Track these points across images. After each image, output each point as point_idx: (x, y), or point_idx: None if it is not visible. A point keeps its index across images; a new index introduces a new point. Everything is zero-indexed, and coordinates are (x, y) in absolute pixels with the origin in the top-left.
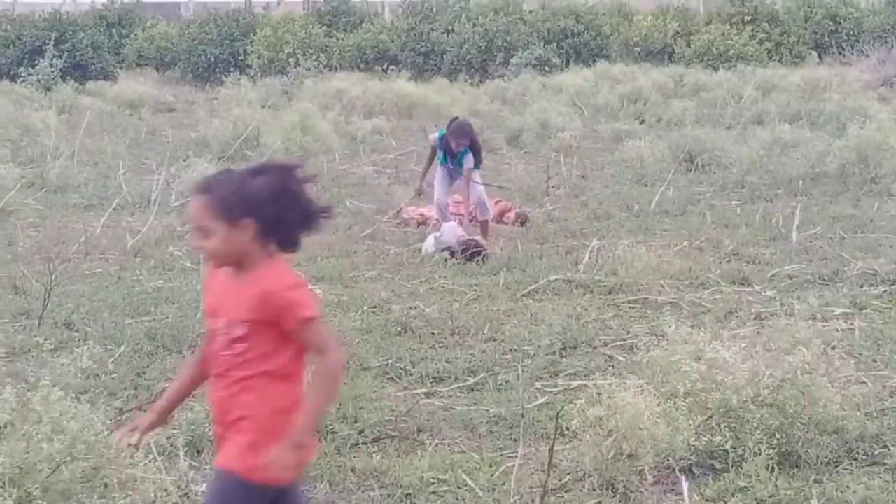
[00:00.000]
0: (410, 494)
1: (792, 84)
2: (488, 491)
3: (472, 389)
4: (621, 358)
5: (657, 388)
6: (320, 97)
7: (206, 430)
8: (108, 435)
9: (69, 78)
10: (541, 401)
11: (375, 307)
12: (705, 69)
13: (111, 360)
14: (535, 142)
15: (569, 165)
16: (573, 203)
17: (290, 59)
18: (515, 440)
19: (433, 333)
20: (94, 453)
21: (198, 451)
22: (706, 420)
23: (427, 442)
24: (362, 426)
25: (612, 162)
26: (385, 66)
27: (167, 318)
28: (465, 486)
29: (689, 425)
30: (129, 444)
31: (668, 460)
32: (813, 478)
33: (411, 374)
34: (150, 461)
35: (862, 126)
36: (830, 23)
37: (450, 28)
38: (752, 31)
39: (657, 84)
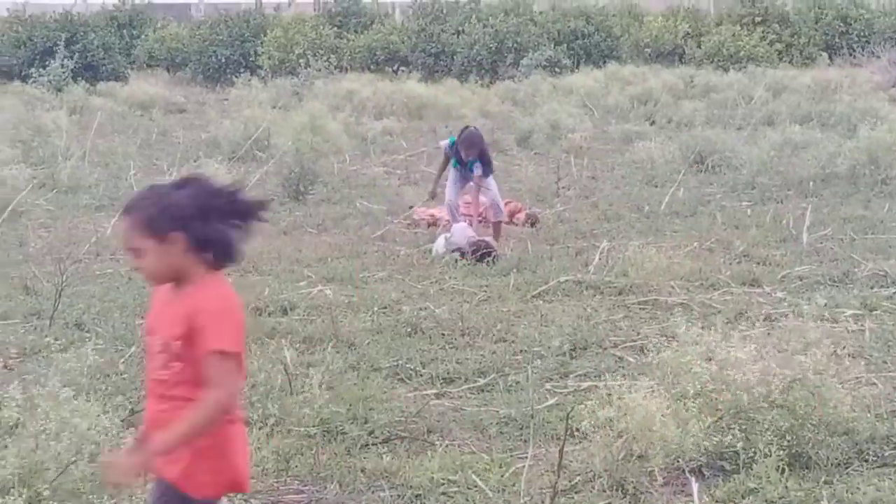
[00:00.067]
0: (420, 495)
1: (802, 85)
2: (498, 492)
3: (483, 390)
4: (631, 359)
5: (667, 389)
6: (331, 98)
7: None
8: (117, 434)
9: (80, 79)
10: (551, 402)
11: (386, 308)
12: (716, 70)
13: (122, 360)
14: (545, 143)
15: (579, 166)
16: (583, 204)
17: (301, 60)
18: (525, 441)
19: (443, 334)
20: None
21: None
22: (716, 421)
23: (437, 443)
24: (372, 427)
25: (623, 163)
26: (395, 67)
27: None
28: (475, 486)
29: (700, 426)
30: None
31: (678, 461)
32: (823, 479)
33: (421, 375)
34: None
35: (873, 127)
36: (841, 24)
37: (460, 29)
38: (763, 32)
39: (667, 85)
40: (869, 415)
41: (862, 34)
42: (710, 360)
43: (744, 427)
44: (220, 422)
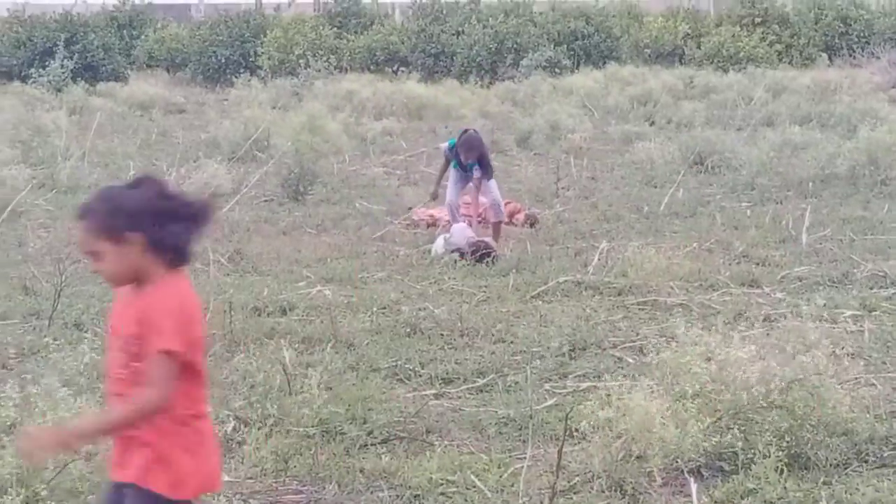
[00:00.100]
0: (419, 495)
1: (802, 86)
2: (497, 492)
3: (482, 391)
4: (630, 359)
5: (667, 390)
6: (330, 98)
7: (216, 431)
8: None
9: (80, 79)
10: (550, 402)
11: (385, 308)
12: (715, 71)
13: None
14: (545, 143)
15: (578, 167)
16: (583, 205)
17: (301, 61)
18: (524, 441)
19: (442, 335)
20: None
21: None
22: (715, 422)
23: (436, 443)
24: (371, 427)
25: (622, 164)
26: (395, 68)
27: None
28: (474, 487)
29: (699, 427)
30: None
31: (676, 462)
32: (822, 480)
33: (420, 376)
34: None
35: (872, 128)
36: (841, 25)
37: (460, 30)
38: (763, 32)
39: (667, 86)
40: (868, 415)
41: (862, 35)
42: (710, 360)
43: (743, 427)
44: (187, 420)
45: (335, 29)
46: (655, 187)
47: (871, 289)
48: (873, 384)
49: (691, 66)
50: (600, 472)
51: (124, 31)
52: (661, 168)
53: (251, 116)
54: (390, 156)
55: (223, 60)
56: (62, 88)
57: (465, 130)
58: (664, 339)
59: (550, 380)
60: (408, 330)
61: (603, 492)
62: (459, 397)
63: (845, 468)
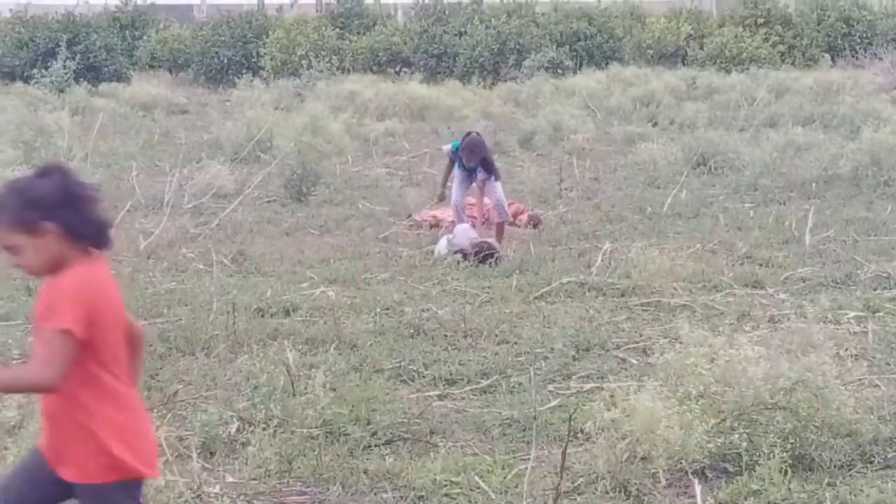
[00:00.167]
0: (423, 496)
1: (805, 87)
2: (501, 493)
3: (485, 392)
4: (634, 360)
5: (671, 391)
6: (333, 99)
7: (220, 433)
8: None
9: (82, 79)
10: (553, 403)
11: (388, 309)
12: (718, 72)
13: None
14: (547, 144)
15: (581, 168)
16: (586, 206)
17: (303, 61)
18: (528, 442)
19: (446, 335)
20: None
21: (211, 454)
22: (719, 423)
23: (440, 444)
24: (375, 428)
25: (625, 164)
26: (397, 69)
27: (180, 319)
28: (478, 488)
29: (703, 428)
30: None
31: (680, 463)
32: (826, 481)
33: (424, 377)
34: (162, 462)
35: (875, 129)
36: (843, 25)
37: (462, 30)
38: (765, 33)
39: (670, 86)
40: (872, 417)
41: (864, 36)
42: (714, 361)
43: (747, 429)
44: (111, 405)
45: (337, 29)
46: (658, 188)
47: (875, 290)
48: (877, 385)
49: (694, 66)
50: (604, 473)
51: (127, 32)
52: (663, 169)
53: (254, 117)
54: (393, 157)
55: (225, 61)
56: (65, 89)
57: (468, 133)
58: (668, 340)
59: (554, 381)
60: (411, 331)
61: (607, 493)
62: (463, 398)
63: (849, 469)
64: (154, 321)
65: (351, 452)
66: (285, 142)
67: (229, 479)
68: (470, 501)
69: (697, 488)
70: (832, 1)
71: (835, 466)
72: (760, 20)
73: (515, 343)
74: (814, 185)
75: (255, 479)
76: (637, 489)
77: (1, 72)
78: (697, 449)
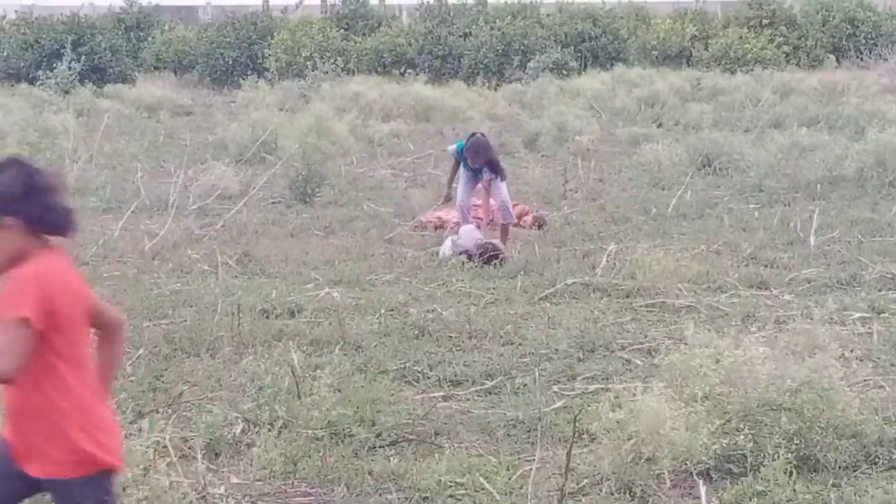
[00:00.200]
0: (428, 498)
1: (810, 88)
2: (505, 494)
3: (490, 393)
4: (639, 361)
5: (676, 392)
6: (338, 100)
7: (225, 434)
8: (125, 437)
9: (87, 81)
10: (558, 404)
11: (393, 310)
12: (723, 73)
13: (129, 362)
14: (552, 145)
15: (586, 169)
16: (590, 207)
17: (308, 63)
18: (533, 444)
19: (450, 337)
20: None
21: (216, 455)
22: (724, 424)
23: (444, 445)
24: (380, 429)
25: (630, 165)
26: (402, 70)
27: (185, 320)
28: (483, 489)
29: (708, 429)
30: None
31: (686, 464)
32: (831, 482)
33: (429, 378)
34: (167, 464)
35: (880, 130)
36: (848, 26)
37: (467, 31)
38: (770, 34)
39: (674, 87)
40: (877, 418)
41: (869, 36)
42: (719, 362)
43: (752, 430)
44: (82, 392)
45: (342, 31)
46: (663, 189)
47: (880, 291)
48: (882, 386)
49: (699, 67)
50: (609, 474)
51: (131, 33)
52: (668, 170)
53: (258, 118)
54: (398, 158)
55: (230, 62)
56: (69, 90)
57: (473, 134)
58: (673, 341)
59: (559, 382)
60: (416, 332)
61: (612, 494)
62: (468, 399)
63: (854, 470)
64: (159, 322)
65: (356, 453)
66: (290, 143)
67: (234, 480)
68: (475, 502)
69: (702, 489)
70: (837, 2)
71: (840, 467)
72: (765, 21)
73: (520, 344)
74: (819, 186)
75: (259, 480)
76: (642, 490)
77: (6, 73)
78: (702, 450)
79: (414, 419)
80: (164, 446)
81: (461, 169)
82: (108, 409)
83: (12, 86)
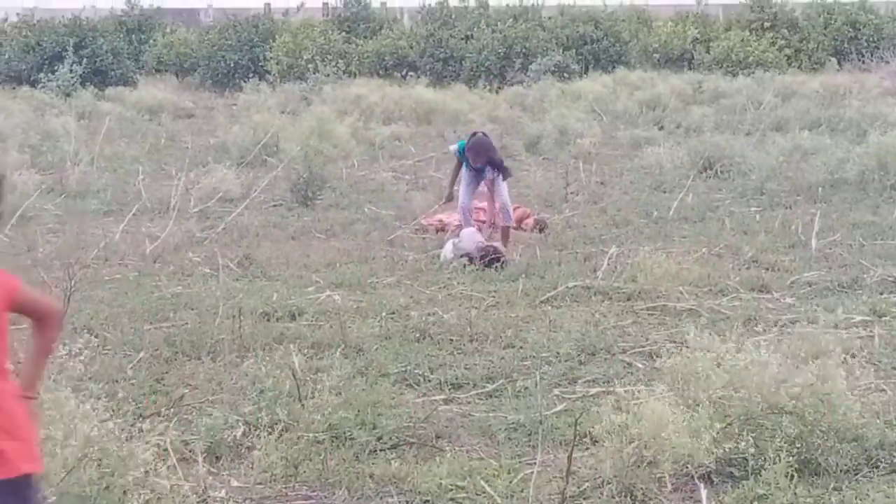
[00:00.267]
0: (429, 501)
1: (811, 90)
2: (507, 498)
3: (491, 396)
4: (640, 365)
5: (678, 395)
6: (339, 103)
7: (226, 437)
8: (125, 439)
9: (89, 84)
10: (559, 407)
11: (394, 313)
12: (724, 75)
13: (130, 365)
14: (553, 148)
15: (588, 172)
16: (592, 210)
17: (310, 66)
18: (534, 447)
19: (452, 340)
20: (111, 458)
21: (216, 458)
22: (725, 427)
23: (445, 448)
24: (381, 432)
25: (631, 168)
26: (404, 73)
27: (186, 323)
28: (484, 492)
29: (710, 433)
30: None
31: (687, 467)
32: (832, 486)
33: (430, 381)
34: (168, 467)
35: (882, 133)
36: (850, 29)
37: (469, 34)
38: (772, 37)
39: (676, 90)
40: (878, 421)
41: (871, 39)
42: (720, 366)
43: (753, 433)
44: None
45: (344, 33)
46: (664, 192)
47: (881, 294)
48: (883, 390)
49: (700, 70)
50: (610, 477)
51: (133, 36)
52: (670, 173)
53: (260, 121)
54: (399, 161)
55: (232, 65)
56: (71, 93)
57: (474, 134)
58: (674, 344)
59: (560, 385)
60: (417, 335)
61: (613, 497)
62: (469, 402)
63: (856, 474)
64: (160, 325)
65: (357, 457)
66: (291, 146)
67: (235, 483)
68: None
69: (703, 493)
70: (839, 5)
71: (841, 471)
72: (767, 24)
73: (521, 347)
74: (820, 189)
75: (260, 484)
76: (643, 494)
77: (8, 76)
78: (704, 453)
79: (415, 422)
80: (165, 449)
81: (463, 169)
82: (23, 406)
83: (14, 88)
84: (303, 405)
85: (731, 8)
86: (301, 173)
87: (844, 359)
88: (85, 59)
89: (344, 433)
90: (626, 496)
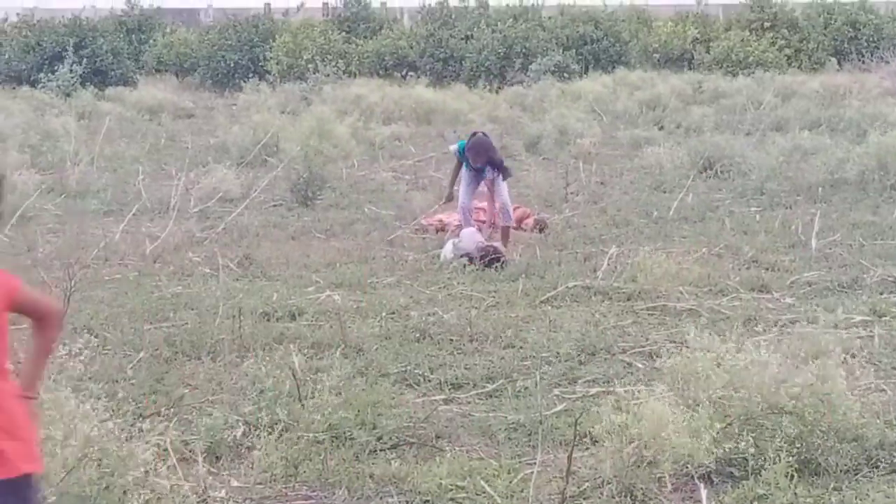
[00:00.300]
0: (429, 501)
1: (811, 90)
2: (507, 498)
3: (491, 396)
4: (640, 365)
5: (678, 396)
6: (339, 103)
7: (226, 437)
8: (125, 439)
9: (89, 84)
10: (559, 407)
11: (394, 313)
12: (724, 75)
13: (130, 365)
14: (553, 148)
15: (588, 172)
16: (592, 210)
17: (310, 66)
18: (534, 447)
19: (452, 340)
20: (111, 457)
21: (216, 458)
22: (726, 427)
23: (445, 448)
24: (381, 432)
25: (631, 168)
26: (404, 73)
27: (186, 323)
28: (484, 492)
29: (710, 433)
30: None
31: (687, 467)
32: (832, 485)
33: (430, 381)
34: (168, 467)
35: (882, 133)
36: (850, 29)
37: (469, 34)
38: (772, 37)
39: (676, 90)
40: (878, 421)
41: (871, 39)
42: (720, 366)
43: (753, 433)
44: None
45: (344, 33)
46: (664, 192)
47: (881, 294)
48: (883, 390)
49: (700, 70)
50: (610, 477)
51: (133, 36)
52: (670, 173)
53: (260, 121)
54: (399, 160)
55: (232, 65)
56: (71, 93)
57: (474, 134)
58: (674, 344)
59: (560, 385)
60: (417, 335)
61: (613, 497)
62: (469, 402)
63: (856, 474)
64: (160, 325)
65: (357, 457)
66: (291, 146)
67: (235, 483)
68: None
69: (703, 493)
70: (839, 5)
71: (841, 471)
72: (767, 24)
73: (521, 347)
74: (820, 189)
75: (260, 484)
76: (643, 494)
77: (8, 76)
78: (704, 453)
79: (415, 422)
80: (165, 449)
81: (463, 169)
82: (23, 406)
83: (14, 88)
84: (303, 405)
85: (731, 8)
86: (301, 173)
87: (844, 359)
88: (85, 59)
89: (344, 433)
90: (626, 496)
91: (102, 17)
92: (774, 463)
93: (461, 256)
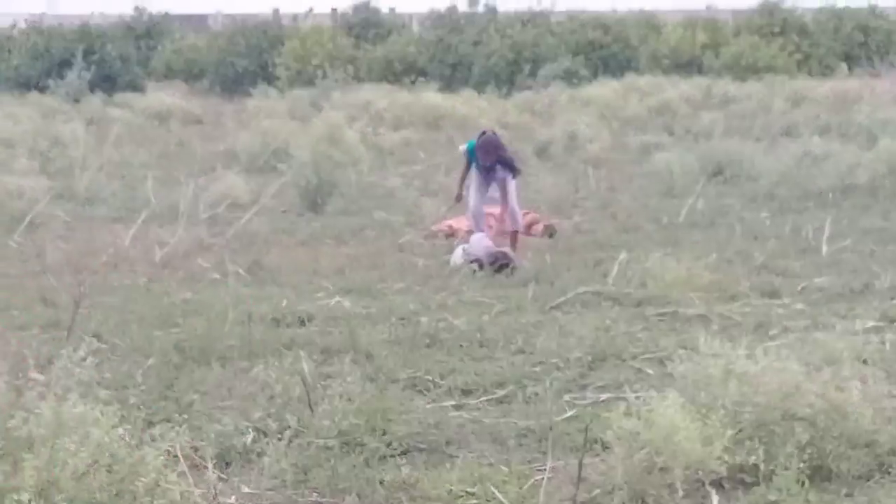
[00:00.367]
0: None
1: (821, 96)
2: None
3: (501, 402)
4: (651, 371)
5: (689, 402)
6: (348, 109)
7: (235, 443)
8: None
9: (97, 89)
10: (570, 413)
11: (404, 319)
12: (734, 81)
13: (139, 371)
14: (563, 154)
15: (597, 178)
16: (602, 215)
17: (318, 71)
18: (544, 453)
19: (462, 346)
20: (121, 464)
21: (226, 464)
22: (737, 433)
23: (456, 454)
24: (391, 438)
25: (641, 174)
26: (413, 78)
27: (196, 330)
28: (494, 499)
29: (721, 439)
30: None
31: (698, 473)
32: (844, 492)
33: (440, 387)
34: (178, 473)
35: (893, 138)
36: (860, 34)
37: (478, 40)
38: (782, 42)
39: (686, 96)
40: (890, 427)
41: (881, 45)
42: (731, 372)
43: (765, 440)
44: None
45: (353, 39)
46: (674, 198)
47: (892, 300)
48: (895, 396)
49: (710, 75)
50: (621, 483)
51: (142, 42)
52: (679, 178)
53: (269, 127)
54: (408, 166)
55: (241, 71)
56: (80, 99)
57: (483, 132)
58: (685, 350)
59: (570, 391)
60: (427, 341)
61: (624, 503)
62: (479, 409)
63: (867, 480)
64: (169, 331)
65: (367, 463)
66: (301, 152)
67: (245, 489)
68: None
69: (715, 499)
70: (848, 10)
71: (853, 477)
72: (777, 29)
73: (531, 353)
74: (831, 194)
75: (270, 490)
76: (654, 500)
77: (17, 82)
78: (716, 459)
79: (425, 428)
80: (175, 456)
81: (473, 172)
82: None
83: (23, 94)
84: (313, 411)
85: (741, 13)
86: (310, 179)
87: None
88: (93, 65)
89: (354, 439)
90: (637, 502)
91: (111, 24)
92: (786, 469)
93: (471, 262)
